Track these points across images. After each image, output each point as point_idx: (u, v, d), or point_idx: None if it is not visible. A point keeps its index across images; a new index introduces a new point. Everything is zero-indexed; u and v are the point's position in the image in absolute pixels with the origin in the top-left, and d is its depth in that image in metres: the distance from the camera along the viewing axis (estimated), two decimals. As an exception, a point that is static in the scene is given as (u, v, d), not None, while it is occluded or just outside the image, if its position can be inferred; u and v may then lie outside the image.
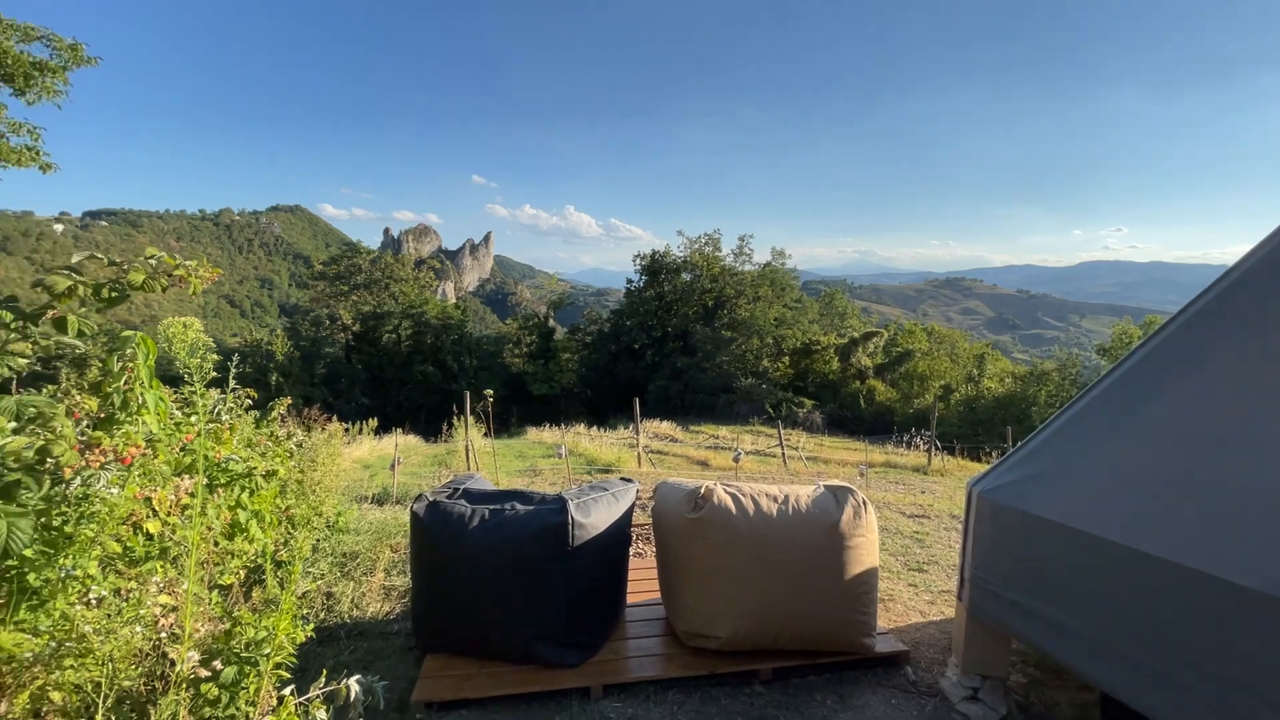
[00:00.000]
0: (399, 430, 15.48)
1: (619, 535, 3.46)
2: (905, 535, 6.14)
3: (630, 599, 3.85)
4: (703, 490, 3.28)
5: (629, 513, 3.57)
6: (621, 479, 3.78)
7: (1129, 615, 2.22)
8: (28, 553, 1.75)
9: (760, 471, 12.47)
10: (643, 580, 4.19)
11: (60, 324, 1.85)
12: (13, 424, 1.98)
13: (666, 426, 24.87)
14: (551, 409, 35.73)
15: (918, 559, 5.36)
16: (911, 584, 4.75)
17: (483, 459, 10.26)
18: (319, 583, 4.06)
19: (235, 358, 3.84)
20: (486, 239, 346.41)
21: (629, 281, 44.81)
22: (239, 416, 3.80)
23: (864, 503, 3.28)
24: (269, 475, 3.53)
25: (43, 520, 1.91)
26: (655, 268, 42.96)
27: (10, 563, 1.81)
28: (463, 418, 9.49)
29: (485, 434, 11.50)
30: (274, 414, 4.59)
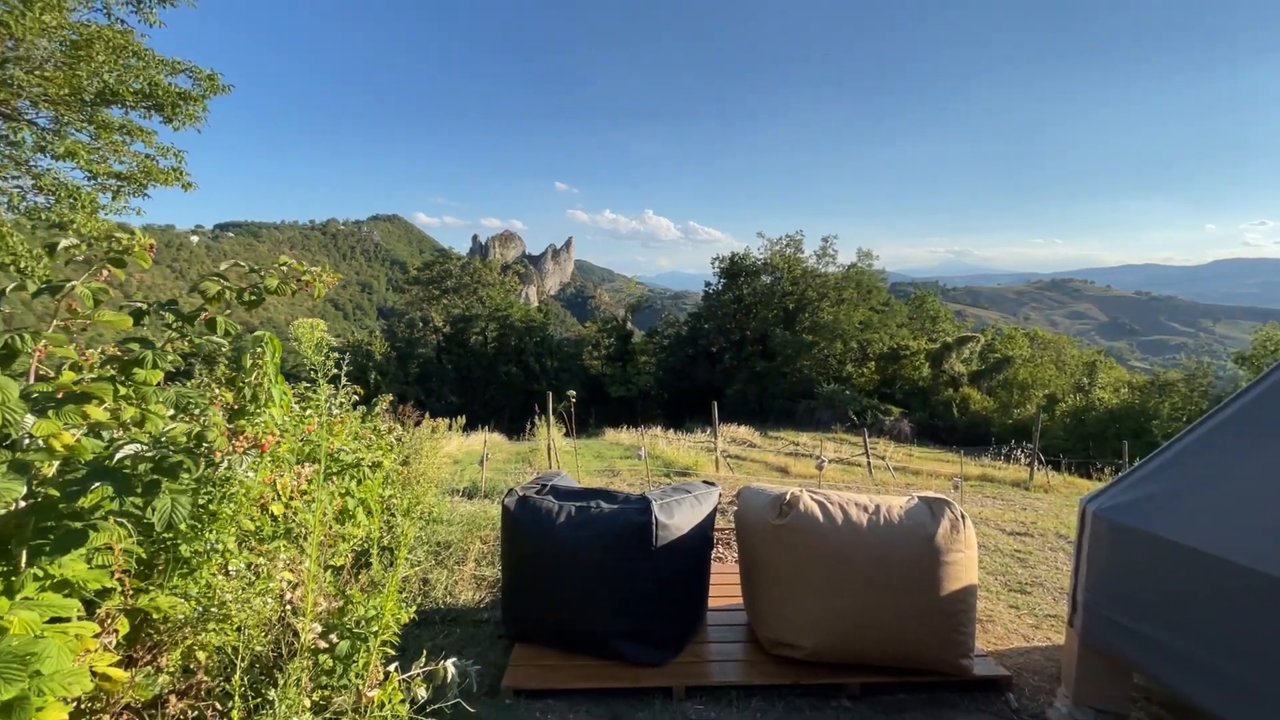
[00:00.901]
0: (484, 428, 16.17)
1: (701, 538, 3.46)
2: (1005, 553, 5.75)
3: (711, 603, 3.83)
4: (788, 497, 3.21)
5: (711, 516, 3.56)
6: (703, 482, 3.78)
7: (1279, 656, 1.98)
8: (182, 526, 1.99)
9: (844, 481, 12.04)
10: (724, 585, 4.16)
11: (211, 324, 2.09)
12: (170, 412, 2.25)
13: (744, 431, 24.55)
14: (628, 411, 36.17)
15: (1019, 579, 5.00)
16: (1013, 605, 4.43)
17: (563, 458, 10.53)
18: (416, 569, 4.32)
19: (347, 356, 4.18)
20: (567, 244, 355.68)
21: (707, 285, 44.61)
22: (347, 411, 4.12)
23: (962, 516, 3.10)
24: (375, 466, 3.79)
25: (193, 498, 2.16)
26: (734, 270, 42.51)
27: (168, 534, 2.06)
28: (545, 417, 9.80)
29: (566, 434, 11.81)
30: (377, 410, 4.93)
